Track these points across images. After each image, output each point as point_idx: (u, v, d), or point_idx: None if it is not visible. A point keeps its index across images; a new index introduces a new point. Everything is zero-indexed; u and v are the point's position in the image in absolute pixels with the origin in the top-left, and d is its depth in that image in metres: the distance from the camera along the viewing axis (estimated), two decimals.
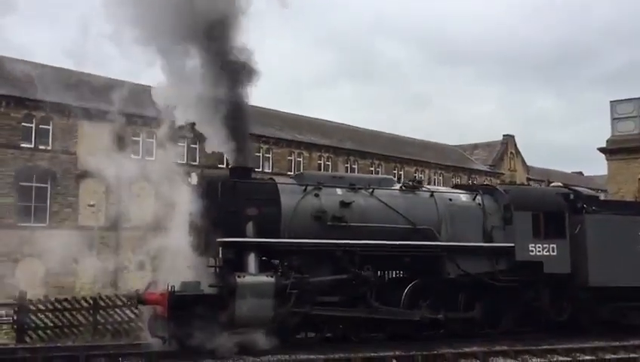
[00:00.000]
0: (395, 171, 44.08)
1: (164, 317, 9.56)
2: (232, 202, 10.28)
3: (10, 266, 26.27)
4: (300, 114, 43.73)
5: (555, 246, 12.41)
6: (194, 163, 30.72)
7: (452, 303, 11.79)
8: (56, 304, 13.97)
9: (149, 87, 11.22)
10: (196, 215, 10.24)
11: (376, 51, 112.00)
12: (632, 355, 11.16)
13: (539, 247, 12.32)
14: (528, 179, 52.86)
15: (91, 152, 21.64)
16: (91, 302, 14.30)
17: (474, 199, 12.56)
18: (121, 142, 23.83)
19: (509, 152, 56.30)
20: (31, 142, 28.71)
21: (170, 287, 9.53)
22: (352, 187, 11.46)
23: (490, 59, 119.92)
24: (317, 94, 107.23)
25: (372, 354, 9.96)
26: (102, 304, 14.23)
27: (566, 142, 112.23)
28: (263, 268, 10.24)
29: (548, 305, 12.58)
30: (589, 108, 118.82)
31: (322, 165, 40.28)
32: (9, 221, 27.44)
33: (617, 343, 11.68)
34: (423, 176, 45.05)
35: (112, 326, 13.95)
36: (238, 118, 10.71)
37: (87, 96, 26.21)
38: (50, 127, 29.06)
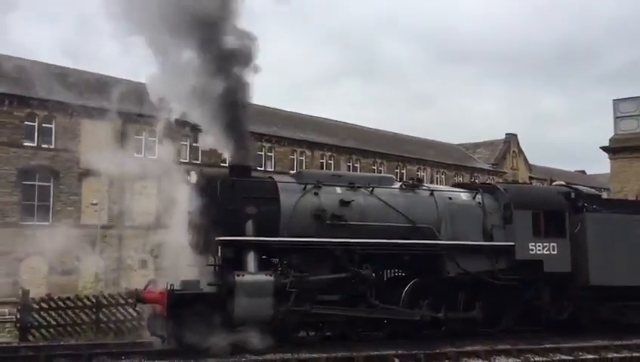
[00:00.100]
0: (397, 170, 44.07)
1: (163, 315, 9.59)
2: (231, 200, 10.27)
3: (13, 265, 26.38)
4: (302, 112, 43.81)
5: (555, 245, 12.37)
6: (196, 161, 30.79)
7: (452, 302, 11.76)
8: (59, 302, 14.05)
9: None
10: (195, 213, 10.26)
11: (379, 50, 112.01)
12: (635, 354, 11.12)
13: (539, 246, 12.29)
14: (531, 178, 52.72)
15: (94, 151, 21.70)
16: (94, 300, 14.38)
17: (474, 198, 12.53)
18: (123, 141, 23.92)
19: (511, 151, 56.21)
20: (34, 140, 28.83)
21: (169, 286, 9.55)
22: (352, 186, 11.44)
23: (493, 58, 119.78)
24: (319, 93, 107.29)
25: (374, 353, 9.94)
26: (104, 302, 14.30)
27: (569, 141, 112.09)
28: (262, 266, 10.24)
29: (548, 304, 12.55)
30: (592, 107, 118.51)
31: (324, 164, 40.30)
32: (12, 219, 27.56)
33: (620, 342, 11.65)
34: (424, 174, 45.03)
35: (115, 325, 14.03)
36: (236, 114, 10.62)
37: (89, 95, 26.33)
38: (53, 126, 29.16)
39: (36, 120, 28.84)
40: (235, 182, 10.56)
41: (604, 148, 27.53)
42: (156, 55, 10.42)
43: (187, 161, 30.90)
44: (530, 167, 57.52)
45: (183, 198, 10.68)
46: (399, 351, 10.12)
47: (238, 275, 9.75)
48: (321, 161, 40.39)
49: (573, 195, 13.43)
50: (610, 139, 27.36)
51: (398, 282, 11.92)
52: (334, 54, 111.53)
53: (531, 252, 12.24)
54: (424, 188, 12.36)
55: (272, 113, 39.28)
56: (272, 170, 35.45)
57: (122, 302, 14.19)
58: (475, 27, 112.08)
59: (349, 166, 41.74)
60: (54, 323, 13.71)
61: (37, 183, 28.82)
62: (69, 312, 13.98)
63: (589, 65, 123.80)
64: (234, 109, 10.62)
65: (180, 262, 10.53)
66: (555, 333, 12.37)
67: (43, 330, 13.53)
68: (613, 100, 27.70)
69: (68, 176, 29.29)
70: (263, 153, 36.87)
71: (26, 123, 28.62)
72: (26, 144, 28.54)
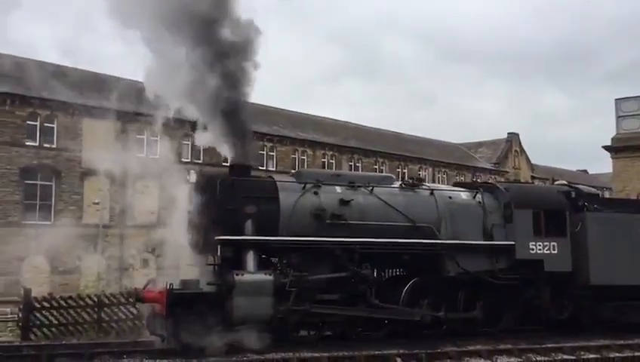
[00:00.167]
0: (399, 169, 44.04)
1: (162, 314, 9.60)
2: (231, 200, 10.26)
3: (15, 264, 26.45)
4: (303, 112, 43.79)
5: (555, 244, 12.36)
6: (198, 161, 30.82)
7: (452, 302, 11.76)
8: (61, 302, 14.08)
9: None
10: (195, 213, 10.27)
11: (379, 49, 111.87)
12: (637, 354, 11.11)
13: (539, 245, 12.28)
14: (533, 178, 52.61)
15: (95, 150, 21.74)
16: (95, 299, 14.41)
17: (474, 197, 12.51)
18: (125, 140, 23.97)
19: (513, 150, 56.10)
20: (36, 140, 28.86)
21: (168, 285, 9.56)
22: (352, 185, 11.44)
23: (493, 57, 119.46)
24: (320, 92, 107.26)
25: (376, 352, 9.93)
26: (106, 301, 14.34)
27: (571, 140, 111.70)
28: (261, 266, 10.24)
29: (548, 304, 12.55)
30: (594, 106, 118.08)
31: (326, 163, 40.29)
32: (14, 219, 27.62)
33: (622, 342, 11.63)
34: (426, 174, 44.99)
35: (117, 324, 14.06)
36: (236, 111, 10.59)
37: (89, 94, 26.38)
38: (55, 125, 29.20)
39: (38, 119, 28.89)
40: (234, 182, 10.56)
41: (606, 148, 27.48)
42: (154, 51, 10.36)
43: (189, 160, 30.94)
44: (532, 167, 57.40)
45: (183, 197, 10.70)
46: (401, 351, 10.12)
47: (237, 275, 9.76)
48: (323, 160, 40.39)
49: (573, 195, 13.42)
50: (612, 139, 27.31)
51: (397, 281, 11.91)
52: (335, 54, 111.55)
53: (532, 251, 12.23)
54: (424, 187, 12.35)
55: (274, 113, 39.29)
56: (274, 169, 35.46)
57: (124, 301, 14.22)
58: (475, 27, 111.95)
59: (351, 165, 41.72)
60: (56, 322, 13.74)
61: (39, 182, 28.87)
62: (71, 311, 14.01)
63: (590, 64, 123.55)
64: (233, 107, 10.58)
65: (181, 262, 10.55)
66: (556, 333, 12.37)
67: (45, 329, 13.55)
68: (615, 99, 27.64)
69: (70, 175, 29.33)
70: (264, 152, 36.87)
71: (28, 122, 28.65)
72: (27, 143, 28.58)
